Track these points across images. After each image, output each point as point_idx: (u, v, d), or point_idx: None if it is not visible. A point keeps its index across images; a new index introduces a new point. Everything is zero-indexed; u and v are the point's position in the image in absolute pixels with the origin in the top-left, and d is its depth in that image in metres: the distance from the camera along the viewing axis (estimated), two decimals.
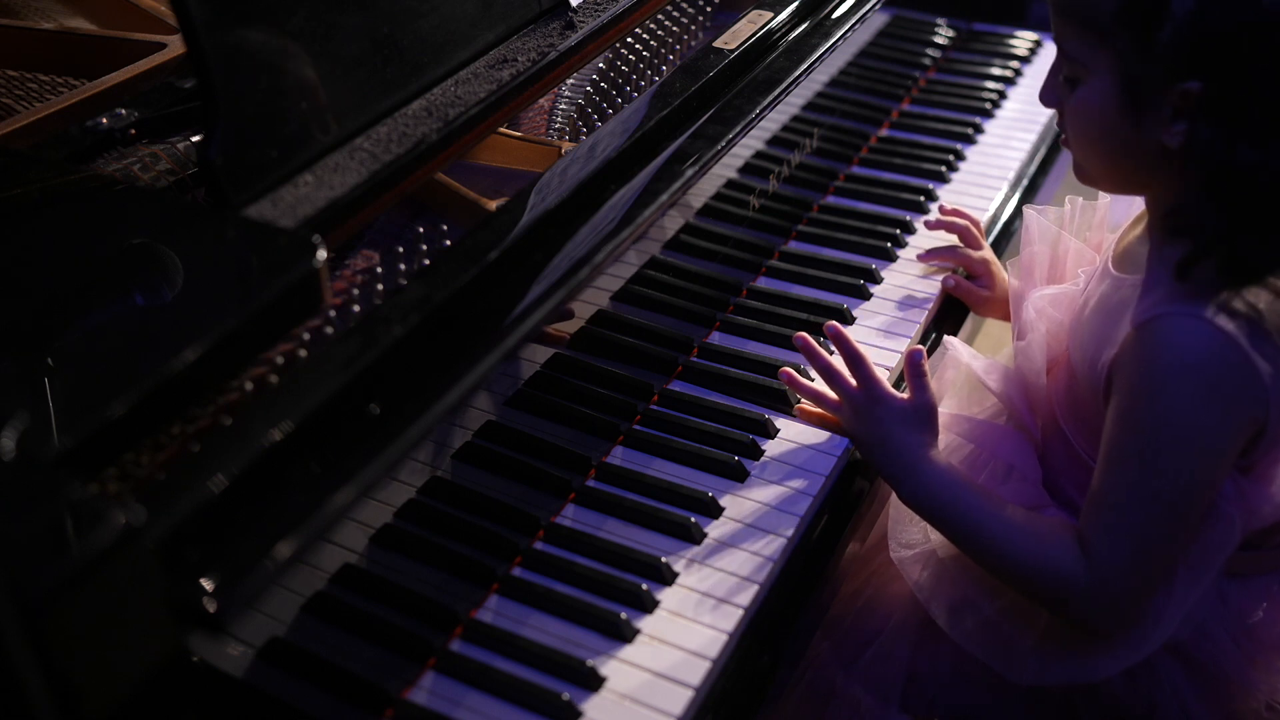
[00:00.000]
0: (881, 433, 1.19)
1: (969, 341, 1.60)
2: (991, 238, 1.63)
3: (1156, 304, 1.04)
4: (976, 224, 1.54)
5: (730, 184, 1.43)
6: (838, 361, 1.25)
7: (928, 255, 1.53)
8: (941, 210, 1.57)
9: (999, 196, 1.69)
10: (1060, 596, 1.09)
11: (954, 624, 1.19)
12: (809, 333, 1.35)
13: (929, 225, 1.57)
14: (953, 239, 1.54)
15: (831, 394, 1.25)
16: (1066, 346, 1.20)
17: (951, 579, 1.20)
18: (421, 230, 1.15)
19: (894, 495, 1.28)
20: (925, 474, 1.16)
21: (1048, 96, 1.12)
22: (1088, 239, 1.34)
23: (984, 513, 1.12)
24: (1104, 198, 1.33)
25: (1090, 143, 1.09)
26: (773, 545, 1.15)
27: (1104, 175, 1.13)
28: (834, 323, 1.28)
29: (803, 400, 1.30)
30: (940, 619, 1.20)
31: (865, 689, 1.26)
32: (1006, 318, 1.46)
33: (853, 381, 1.23)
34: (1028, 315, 1.23)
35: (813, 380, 1.29)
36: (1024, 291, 1.29)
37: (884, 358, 1.38)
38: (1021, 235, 1.33)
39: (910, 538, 1.24)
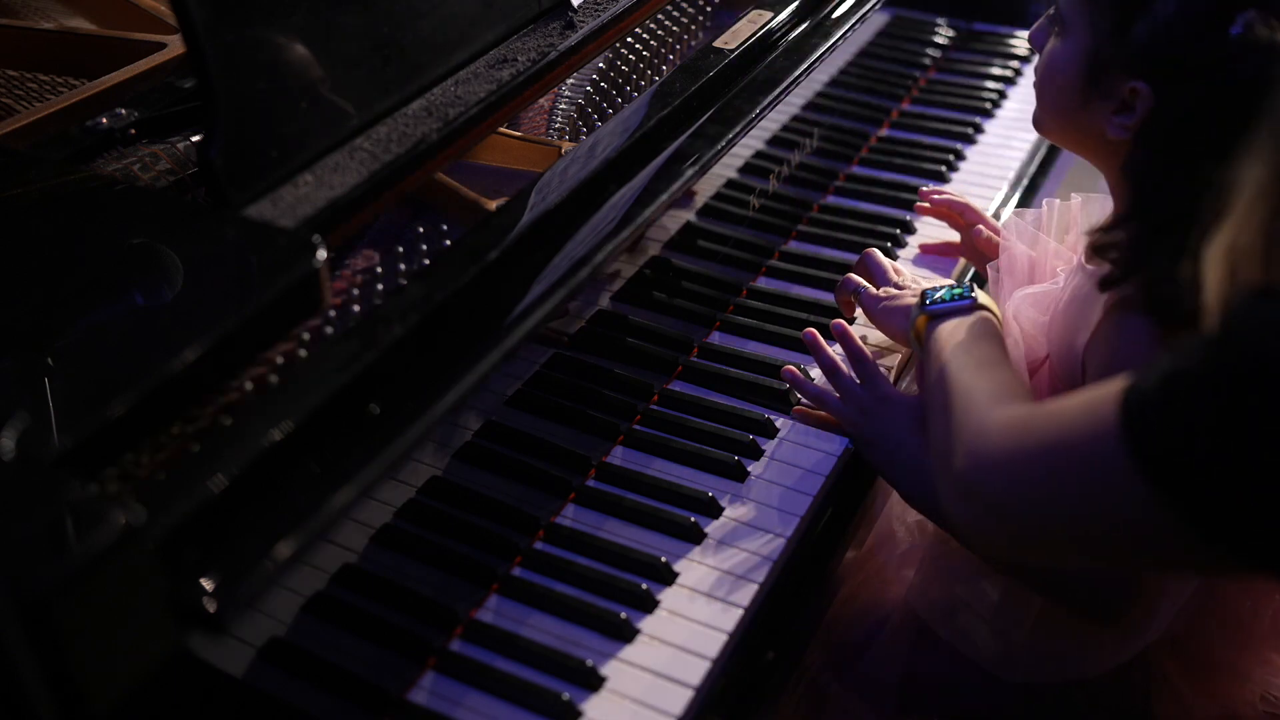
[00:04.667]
0: (884, 431, 1.20)
1: None
2: None
3: (1123, 289, 1.04)
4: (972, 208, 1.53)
5: (730, 184, 1.43)
6: (842, 359, 1.26)
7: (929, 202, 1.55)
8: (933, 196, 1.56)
9: (999, 196, 1.69)
10: None
11: (944, 623, 1.19)
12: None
13: (923, 194, 1.57)
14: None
15: (834, 393, 1.25)
16: (1048, 345, 1.20)
17: (941, 579, 1.20)
18: (421, 230, 1.15)
19: (889, 500, 1.28)
20: (927, 473, 1.15)
21: (1036, 38, 1.16)
22: (1065, 240, 1.34)
23: None
24: (1075, 198, 1.33)
25: (1045, 93, 1.14)
26: (773, 545, 1.15)
27: (1051, 128, 1.17)
28: (840, 320, 1.29)
29: (802, 401, 1.30)
30: (930, 618, 1.20)
31: (861, 693, 1.26)
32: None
33: (857, 380, 1.23)
34: (1005, 316, 1.23)
35: (814, 380, 1.30)
36: (1003, 285, 1.29)
37: (884, 357, 1.38)
38: (1000, 238, 1.34)
39: (900, 538, 1.24)
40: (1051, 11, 1.14)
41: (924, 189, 1.59)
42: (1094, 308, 1.08)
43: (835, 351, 1.28)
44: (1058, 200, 1.35)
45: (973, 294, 1.16)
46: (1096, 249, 1.05)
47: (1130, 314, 1.03)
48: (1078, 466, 0.82)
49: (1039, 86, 1.15)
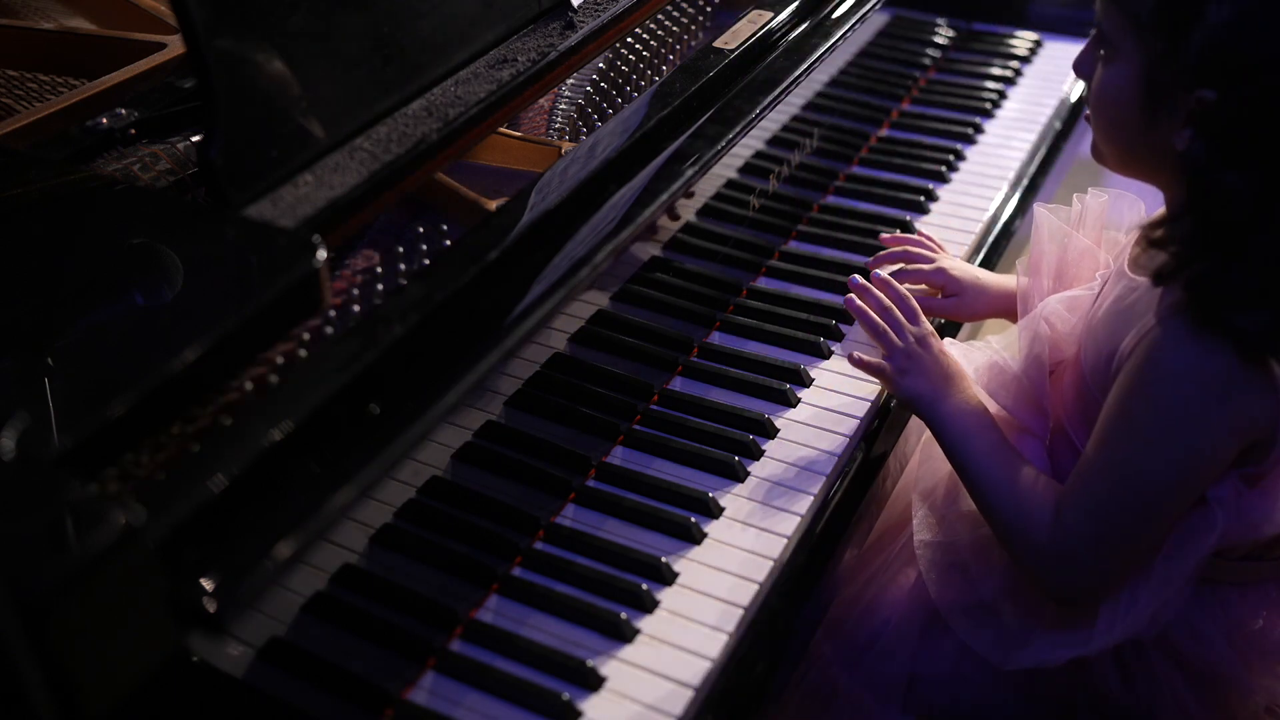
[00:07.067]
0: (934, 366, 1.24)
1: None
2: (991, 237, 1.63)
3: (1175, 306, 1.03)
4: (921, 241, 1.49)
5: (730, 184, 1.43)
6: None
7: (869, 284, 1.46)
8: (883, 240, 1.52)
9: (999, 196, 1.69)
10: (1023, 552, 1.13)
11: (960, 619, 1.20)
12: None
13: (870, 265, 1.48)
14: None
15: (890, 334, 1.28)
16: (1077, 348, 1.19)
17: (948, 561, 1.22)
18: (421, 230, 1.15)
19: (916, 490, 1.28)
20: (955, 408, 1.20)
21: (1081, 67, 1.12)
22: (1088, 235, 1.33)
23: (991, 457, 1.15)
24: (1101, 195, 1.32)
25: (1106, 122, 1.10)
26: (773, 545, 1.15)
27: (1114, 157, 1.12)
28: (877, 271, 1.34)
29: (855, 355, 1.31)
30: (948, 614, 1.21)
31: (867, 689, 1.26)
32: (990, 316, 1.46)
33: (905, 322, 1.27)
34: (1037, 320, 1.23)
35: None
36: (1031, 291, 1.28)
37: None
38: (1031, 233, 1.33)
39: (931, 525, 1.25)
40: (1094, 35, 1.09)
41: (884, 237, 1.52)
42: (1134, 323, 1.07)
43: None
44: (1088, 198, 1.33)
45: None
46: (1153, 242, 1.05)
47: (1175, 333, 1.02)
48: None
49: (1096, 118, 1.10)
